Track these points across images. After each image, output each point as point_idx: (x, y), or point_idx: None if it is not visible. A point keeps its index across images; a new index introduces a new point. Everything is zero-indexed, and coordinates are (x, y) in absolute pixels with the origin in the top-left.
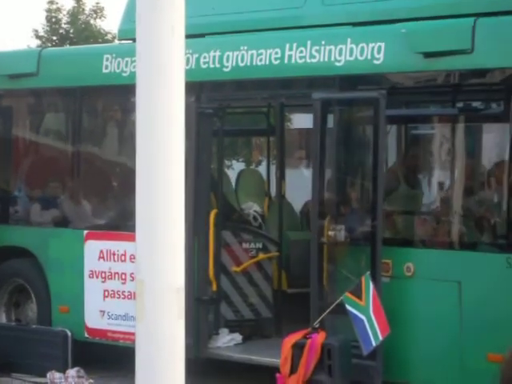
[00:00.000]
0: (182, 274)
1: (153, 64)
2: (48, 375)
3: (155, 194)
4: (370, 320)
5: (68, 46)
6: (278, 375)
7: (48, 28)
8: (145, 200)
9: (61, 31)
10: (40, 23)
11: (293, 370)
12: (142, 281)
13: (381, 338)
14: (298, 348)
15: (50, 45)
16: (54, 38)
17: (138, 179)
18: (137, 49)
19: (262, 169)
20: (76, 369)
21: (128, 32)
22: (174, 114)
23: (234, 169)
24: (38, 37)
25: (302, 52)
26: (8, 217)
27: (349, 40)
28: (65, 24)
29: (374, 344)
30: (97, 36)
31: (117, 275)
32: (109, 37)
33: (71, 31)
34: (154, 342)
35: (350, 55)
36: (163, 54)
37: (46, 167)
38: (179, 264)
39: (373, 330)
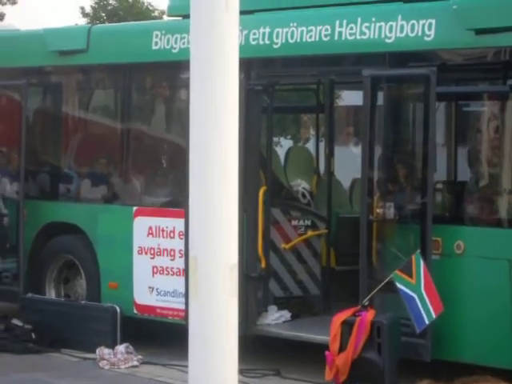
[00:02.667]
0: (236, 252)
1: (207, 40)
2: (97, 351)
3: (209, 171)
4: (421, 298)
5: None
6: (327, 353)
7: (96, 5)
8: (198, 177)
9: (109, 7)
10: (87, 1)
11: (342, 348)
12: (196, 257)
13: (434, 315)
14: (348, 326)
15: (97, 22)
16: (102, 14)
17: (192, 156)
18: (191, 25)
19: (310, 146)
20: (125, 345)
21: (177, 8)
22: (228, 91)
23: (282, 146)
24: (84, 14)
25: (352, 29)
26: (58, 193)
27: (399, 16)
28: (112, 1)
29: (426, 322)
30: (145, 13)
31: (165, 252)
32: (156, 13)
33: (119, 8)
34: (207, 319)
35: (401, 32)
36: (217, 30)
37: (95, 144)
38: (233, 241)
39: (425, 307)
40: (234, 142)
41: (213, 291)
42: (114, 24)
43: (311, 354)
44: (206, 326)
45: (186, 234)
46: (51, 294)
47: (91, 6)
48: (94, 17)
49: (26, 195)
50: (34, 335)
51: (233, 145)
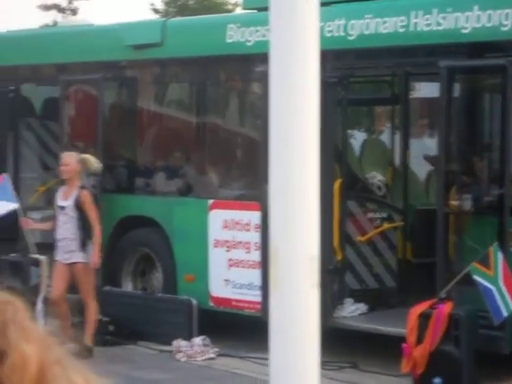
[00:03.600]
0: (317, 243)
1: (287, 31)
2: (173, 343)
3: (289, 162)
4: (499, 290)
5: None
6: (404, 345)
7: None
8: (279, 168)
9: (179, 2)
10: None
11: (419, 341)
12: (277, 248)
13: None
14: (425, 318)
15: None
16: (173, 9)
17: (272, 148)
18: (270, 16)
19: (385, 138)
20: (201, 337)
21: (253, 1)
22: (308, 82)
23: (355, 138)
24: (155, 11)
25: (427, 19)
26: (134, 187)
27: (476, 7)
28: None
29: (505, 314)
30: (217, 6)
31: (241, 244)
32: (229, 6)
33: (190, 2)
34: (288, 311)
35: (477, 22)
36: (297, 21)
37: (170, 137)
38: (314, 232)
39: (503, 300)
40: (314, 134)
41: (293, 282)
42: (188, 17)
43: (387, 347)
44: (286, 317)
45: (261, 227)
46: (128, 286)
47: (162, 0)
48: (165, 13)
49: (103, 189)
50: (111, 328)
51: (313, 136)
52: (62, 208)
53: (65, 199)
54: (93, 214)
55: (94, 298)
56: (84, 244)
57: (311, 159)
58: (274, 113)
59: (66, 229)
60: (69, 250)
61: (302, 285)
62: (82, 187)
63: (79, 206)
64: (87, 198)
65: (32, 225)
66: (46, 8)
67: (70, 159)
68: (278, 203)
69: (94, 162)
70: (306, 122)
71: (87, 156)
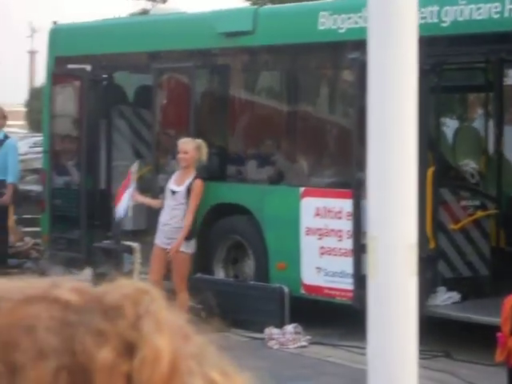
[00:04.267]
0: (415, 230)
1: (385, 17)
2: (265, 331)
3: (387, 150)
4: None
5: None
6: (499, 334)
7: None
8: (377, 156)
9: None
10: None
11: None
12: (375, 237)
13: None
14: None
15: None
16: None
17: (370, 135)
18: (368, 3)
19: (478, 125)
20: (293, 325)
21: None
22: (405, 70)
23: (448, 126)
24: None
25: None
26: (225, 174)
27: None
28: None
29: None
30: None
31: (333, 232)
32: None
33: None
34: (386, 299)
35: None
36: (394, 8)
37: (261, 125)
38: (412, 220)
39: None
40: (412, 120)
41: (392, 271)
42: (280, 5)
43: (481, 336)
44: (384, 306)
45: (353, 215)
46: (220, 274)
47: None
48: (256, 1)
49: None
50: (204, 314)
51: (411, 123)
52: (173, 193)
53: (177, 185)
54: (193, 204)
55: (186, 288)
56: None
57: (409, 147)
58: (372, 100)
59: (173, 215)
60: (171, 235)
61: (401, 273)
62: (196, 176)
63: (190, 194)
64: (198, 187)
65: (140, 198)
66: None
67: (188, 147)
68: (375, 192)
69: (205, 151)
70: (404, 108)
71: (201, 142)
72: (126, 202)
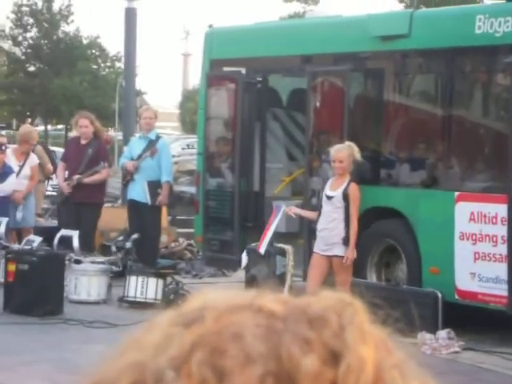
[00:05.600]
0: None
1: None
2: (418, 336)
3: None
4: None
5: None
6: None
7: None
8: None
9: None
10: None
11: None
12: None
13: None
14: None
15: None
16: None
17: None
18: None
19: None
20: (446, 330)
21: None
22: None
23: None
24: (400, 0)
25: None
26: (379, 178)
27: None
28: None
29: None
30: None
31: (488, 237)
32: None
33: None
34: None
35: None
36: None
37: (415, 129)
38: None
39: None
40: None
41: None
42: (435, 8)
43: None
44: None
45: (509, 220)
46: (372, 277)
47: None
48: (411, 4)
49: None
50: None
51: None
52: (329, 198)
53: (333, 189)
54: (354, 209)
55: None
56: (346, 237)
57: None
58: None
59: (330, 220)
60: (329, 241)
61: None
62: (352, 180)
63: (347, 198)
64: (355, 191)
65: (296, 211)
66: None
67: (342, 155)
68: None
69: (357, 151)
70: None
71: (352, 145)
72: (268, 238)
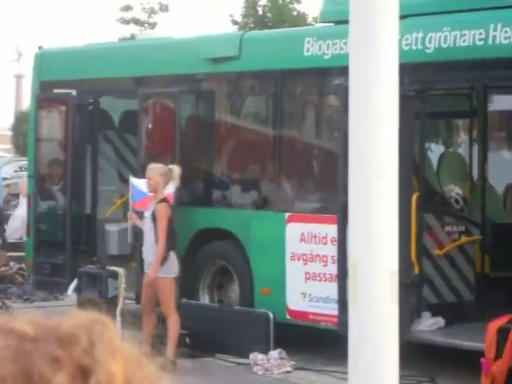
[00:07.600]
0: (396, 258)
1: (366, 44)
2: (250, 356)
3: (368, 178)
4: None
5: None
6: (483, 360)
7: (245, 11)
8: (358, 185)
9: (260, 13)
10: (238, 7)
11: (498, 355)
12: (355, 264)
13: None
14: (504, 333)
15: (247, 30)
16: (250, 21)
17: (352, 164)
18: (350, 29)
19: (463, 151)
20: (278, 350)
21: (331, 14)
22: (387, 95)
23: (433, 151)
24: (234, 22)
25: (506, 32)
26: (211, 199)
27: None
28: (261, 7)
29: None
30: (293, 19)
31: (318, 257)
32: (309, 19)
33: (268, 15)
34: (367, 326)
35: None
36: (376, 34)
37: (247, 150)
38: (393, 248)
39: None
40: (393, 148)
41: (373, 297)
42: (265, 31)
43: (466, 361)
44: (365, 331)
45: (338, 240)
46: (205, 299)
47: (241, 14)
48: (244, 25)
49: (179, 201)
50: (188, 340)
51: (392, 150)
52: (144, 217)
53: (148, 209)
54: (160, 228)
55: (175, 312)
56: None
57: (390, 174)
58: (353, 126)
59: (147, 239)
60: (148, 261)
61: (382, 300)
62: (161, 200)
63: (155, 219)
64: (161, 210)
65: (136, 220)
66: (125, 22)
67: (150, 174)
68: (357, 218)
69: (177, 175)
70: (385, 135)
71: (170, 168)
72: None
